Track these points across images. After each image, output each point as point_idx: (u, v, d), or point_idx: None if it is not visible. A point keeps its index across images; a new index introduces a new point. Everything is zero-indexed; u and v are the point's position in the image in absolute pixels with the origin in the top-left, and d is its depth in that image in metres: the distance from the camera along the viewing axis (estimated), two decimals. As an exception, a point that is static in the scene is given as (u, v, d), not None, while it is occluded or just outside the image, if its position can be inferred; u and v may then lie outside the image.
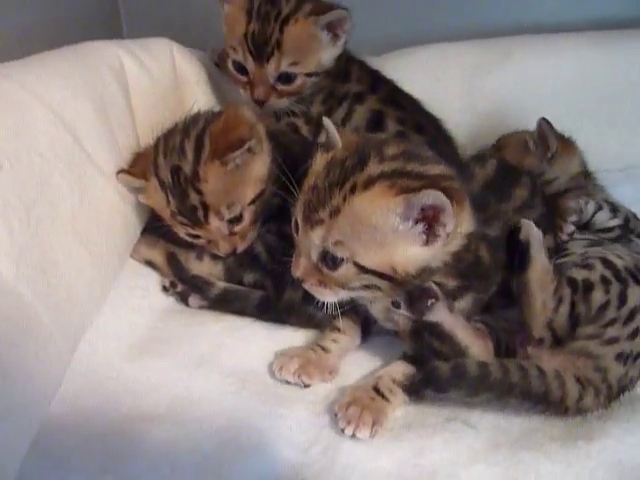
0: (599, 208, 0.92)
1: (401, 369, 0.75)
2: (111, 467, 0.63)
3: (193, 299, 0.89)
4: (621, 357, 0.72)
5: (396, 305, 0.72)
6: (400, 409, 0.74)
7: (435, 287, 0.71)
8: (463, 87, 1.17)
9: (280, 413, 0.73)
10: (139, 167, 0.82)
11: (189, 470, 0.64)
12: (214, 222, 0.80)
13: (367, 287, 0.69)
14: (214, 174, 0.77)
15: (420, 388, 0.71)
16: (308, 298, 0.83)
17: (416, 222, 0.65)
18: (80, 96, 0.76)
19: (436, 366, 0.70)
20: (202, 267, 0.87)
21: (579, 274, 0.77)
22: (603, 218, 0.92)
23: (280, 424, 0.71)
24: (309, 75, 0.95)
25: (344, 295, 0.72)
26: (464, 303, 0.76)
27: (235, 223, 0.82)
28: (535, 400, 0.70)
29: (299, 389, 0.77)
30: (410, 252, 0.66)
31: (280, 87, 0.95)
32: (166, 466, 0.64)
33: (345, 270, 0.68)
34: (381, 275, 0.67)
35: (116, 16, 1.29)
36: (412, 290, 0.70)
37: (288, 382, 0.76)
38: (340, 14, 0.92)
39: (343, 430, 0.68)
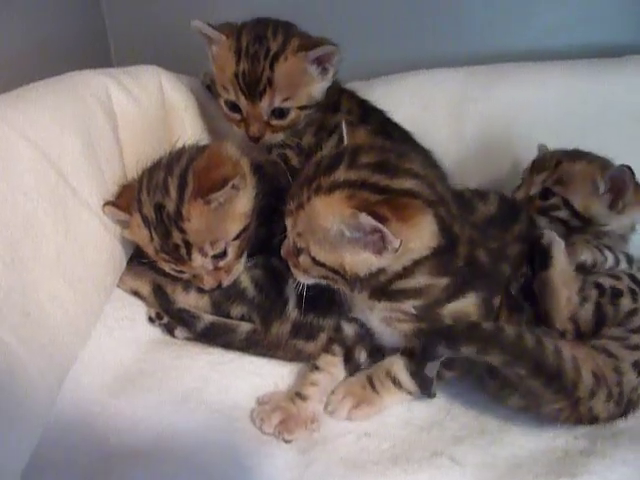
0: (616, 263, 0.89)
1: (398, 362, 0.78)
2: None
3: (179, 331, 0.89)
4: (637, 366, 0.74)
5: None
6: (393, 404, 0.78)
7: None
8: (451, 114, 1.18)
9: (266, 451, 0.72)
10: (125, 200, 0.82)
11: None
12: (197, 259, 0.80)
13: (325, 277, 0.74)
14: (197, 213, 0.77)
15: (434, 343, 0.71)
16: (296, 332, 0.85)
17: (367, 234, 0.67)
18: (67, 130, 0.76)
19: (451, 324, 0.73)
20: (188, 299, 0.87)
21: (606, 281, 0.79)
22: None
23: (266, 462, 0.71)
24: (302, 108, 0.96)
25: (311, 279, 0.76)
26: (469, 302, 0.74)
27: (219, 258, 0.81)
28: (547, 376, 0.69)
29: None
30: (361, 257, 0.69)
31: (274, 122, 0.96)
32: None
33: (304, 259, 0.73)
34: (333, 270, 0.71)
35: (104, 41, 1.29)
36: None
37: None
38: (328, 49, 0.93)
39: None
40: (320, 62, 0.95)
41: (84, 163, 0.77)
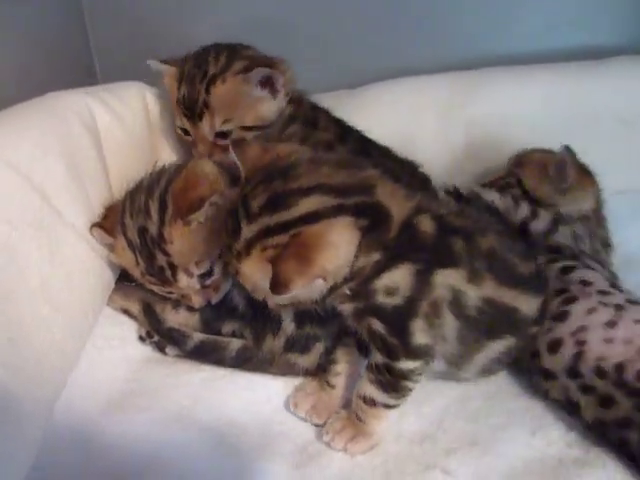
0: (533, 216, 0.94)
1: (364, 380, 0.76)
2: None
3: (170, 349, 0.88)
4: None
5: None
6: (381, 424, 0.77)
7: None
8: (437, 119, 1.18)
9: (259, 467, 0.72)
10: (110, 222, 0.81)
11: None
12: (183, 280, 0.80)
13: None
14: (179, 235, 0.77)
15: None
16: (291, 346, 0.84)
17: None
18: (50, 153, 0.76)
19: None
20: (178, 318, 0.87)
21: None
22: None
23: (258, 478, 0.71)
24: (248, 129, 0.96)
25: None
26: (399, 276, 0.70)
27: (206, 277, 0.81)
28: None
29: (278, 441, 0.77)
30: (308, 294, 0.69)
31: (221, 142, 0.96)
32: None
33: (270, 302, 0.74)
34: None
35: (88, 58, 1.28)
36: None
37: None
38: (264, 72, 0.93)
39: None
40: (265, 84, 0.95)
41: (69, 185, 0.77)
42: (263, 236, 0.66)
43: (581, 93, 1.18)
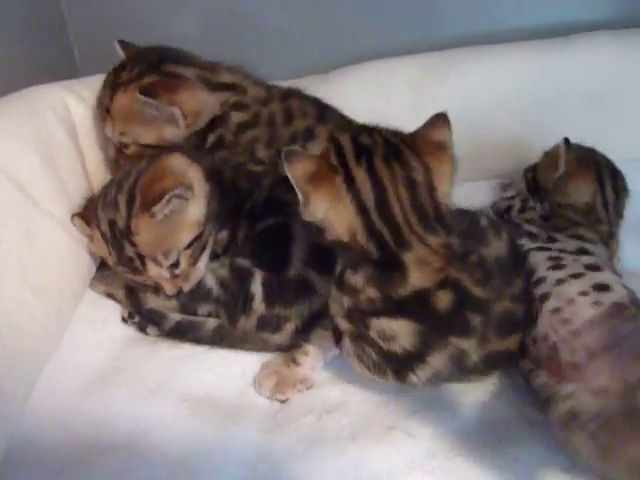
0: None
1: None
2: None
3: (151, 328, 0.93)
4: None
5: None
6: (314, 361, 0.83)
7: None
8: (412, 100, 1.20)
9: (231, 434, 0.77)
10: (89, 213, 0.86)
11: (143, 496, 0.69)
12: (153, 270, 0.84)
13: None
14: (145, 226, 0.80)
15: None
16: (262, 325, 0.88)
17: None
18: (26, 147, 0.80)
19: None
20: (158, 301, 0.91)
21: None
22: None
23: (231, 445, 0.76)
24: (147, 146, 0.95)
25: None
26: (397, 326, 0.71)
27: (175, 267, 0.85)
28: None
29: (250, 410, 0.81)
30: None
31: (125, 150, 0.96)
32: (121, 494, 0.69)
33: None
34: None
35: (69, 53, 1.32)
36: None
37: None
38: (152, 104, 0.90)
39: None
40: (158, 109, 0.91)
41: (44, 176, 0.82)
42: None
43: (550, 70, 1.20)
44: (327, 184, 0.70)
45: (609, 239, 0.96)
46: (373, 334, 0.72)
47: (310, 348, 0.85)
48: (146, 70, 0.94)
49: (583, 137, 1.11)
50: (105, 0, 1.34)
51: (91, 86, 0.99)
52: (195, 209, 0.85)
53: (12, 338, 0.70)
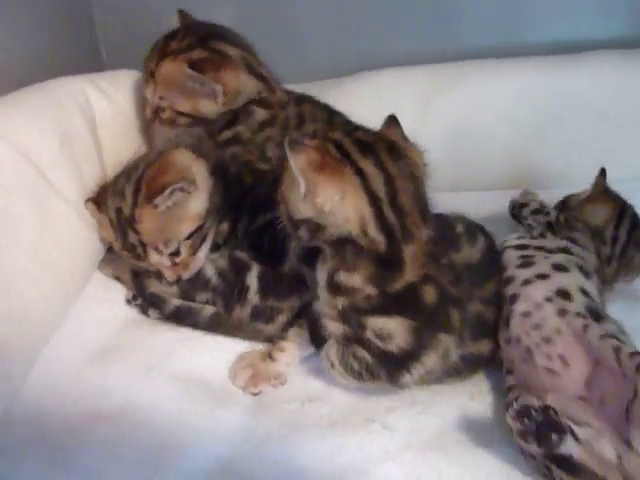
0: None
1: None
2: (60, 459, 0.73)
3: (152, 311, 0.98)
4: None
5: (526, 440, 0.67)
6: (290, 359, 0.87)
7: (563, 420, 0.66)
8: (416, 111, 1.24)
9: (218, 414, 0.82)
10: (101, 200, 0.92)
11: (130, 464, 0.74)
12: (153, 257, 0.89)
13: None
14: (148, 216, 0.86)
15: None
16: (256, 316, 0.92)
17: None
18: (45, 132, 0.86)
19: None
20: (160, 286, 0.96)
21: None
22: None
23: (216, 424, 0.80)
24: (181, 114, 1.01)
25: None
26: (393, 325, 0.75)
27: (175, 255, 0.90)
28: None
29: (238, 394, 0.85)
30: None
31: (160, 114, 1.02)
32: (109, 460, 0.74)
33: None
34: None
35: (97, 51, 1.39)
36: (540, 424, 0.65)
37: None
38: (200, 79, 0.96)
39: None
40: (203, 83, 0.97)
41: (62, 161, 0.88)
42: None
43: (557, 86, 1.23)
44: (338, 173, 0.70)
45: (606, 264, 0.96)
46: (369, 334, 0.75)
47: (286, 345, 0.89)
48: (195, 43, 0.99)
49: (587, 153, 1.14)
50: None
51: (113, 80, 1.06)
52: (197, 203, 0.90)
53: (22, 309, 0.76)
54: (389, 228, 0.72)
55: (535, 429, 0.64)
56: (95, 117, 0.99)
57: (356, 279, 0.74)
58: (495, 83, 1.24)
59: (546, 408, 0.65)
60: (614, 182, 1.06)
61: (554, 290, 0.80)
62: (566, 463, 0.65)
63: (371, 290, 0.73)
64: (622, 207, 1.00)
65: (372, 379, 0.78)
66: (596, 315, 0.78)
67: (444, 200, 1.29)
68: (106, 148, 1.01)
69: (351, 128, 0.82)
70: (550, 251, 0.88)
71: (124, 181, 0.90)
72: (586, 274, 0.84)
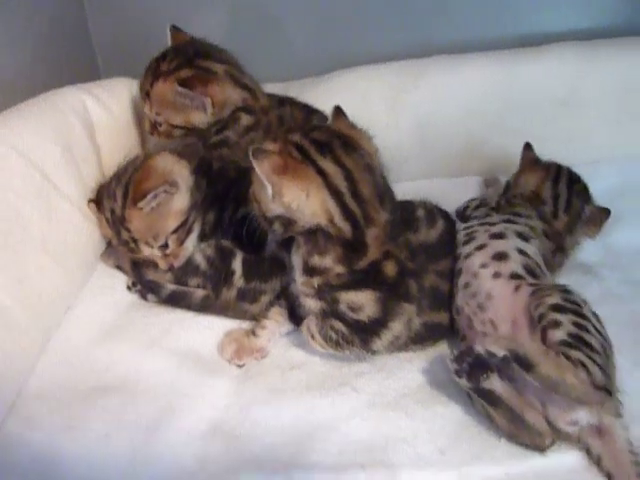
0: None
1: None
2: (75, 424, 0.84)
3: (150, 296, 1.09)
4: None
5: (459, 377, 0.79)
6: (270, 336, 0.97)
7: (492, 362, 0.77)
8: (387, 105, 1.33)
9: (210, 383, 0.93)
10: (100, 201, 1.03)
11: (133, 428, 0.85)
12: (145, 250, 1.00)
13: None
14: (135, 216, 0.97)
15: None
16: (242, 297, 1.02)
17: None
18: (48, 140, 0.97)
19: None
20: (156, 274, 1.07)
21: (562, 331, 0.77)
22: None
23: (208, 391, 0.91)
24: (175, 126, 1.14)
25: None
26: (363, 298, 0.85)
27: (165, 248, 1.01)
28: None
29: (228, 365, 0.97)
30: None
31: (159, 128, 1.15)
32: (115, 424, 0.85)
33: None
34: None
35: (93, 59, 1.49)
36: (472, 365, 0.78)
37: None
38: (188, 94, 1.08)
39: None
40: (192, 98, 1.10)
41: (64, 165, 0.99)
42: None
43: (518, 77, 1.31)
44: (301, 174, 0.79)
45: (553, 219, 1.05)
46: (343, 307, 0.86)
47: (267, 323, 0.99)
48: (183, 63, 1.11)
49: (548, 140, 1.22)
50: (127, 6, 1.50)
51: (108, 89, 1.16)
52: (180, 201, 1.00)
53: (34, 296, 0.88)
54: (353, 217, 0.82)
55: (468, 369, 0.77)
56: (93, 123, 1.10)
57: (328, 260, 0.84)
58: (459, 76, 1.32)
59: (478, 353, 0.77)
60: (574, 166, 1.16)
61: (490, 255, 0.90)
62: (489, 396, 0.78)
63: (341, 269, 0.84)
64: (556, 169, 1.10)
65: (348, 346, 0.89)
66: (532, 273, 0.88)
67: (417, 187, 1.42)
68: (104, 151, 1.12)
69: (308, 128, 0.89)
70: (492, 224, 0.97)
71: (115, 184, 1.01)
72: (525, 238, 0.93)
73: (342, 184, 0.81)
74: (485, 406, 0.80)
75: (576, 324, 0.78)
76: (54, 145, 0.98)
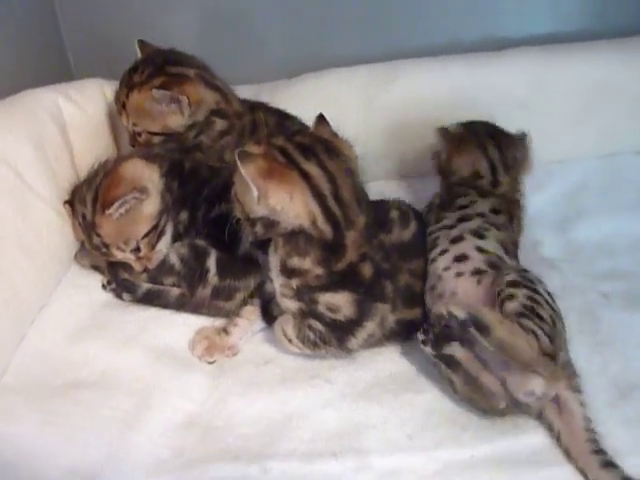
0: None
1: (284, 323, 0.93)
2: (51, 419, 0.85)
3: (126, 295, 1.10)
4: None
5: (425, 345, 0.87)
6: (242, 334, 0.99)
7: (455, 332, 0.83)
8: (359, 107, 1.36)
9: (185, 377, 0.95)
10: (73, 204, 1.03)
11: (111, 422, 0.86)
12: (117, 254, 1.01)
13: None
14: (105, 222, 0.98)
15: None
16: (216, 294, 1.03)
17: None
18: (21, 139, 0.98)
19: None
20: (133, 274, 1.08)
21: (517, 303, 0.83)
22: None
23: (184, 385, 0.93)
24: (154, 134, 1.16)
25: None
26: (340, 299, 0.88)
27: (137, 251, 1.02)
28: None
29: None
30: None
31: (138, 138, 1.17)
32: (91, 418, 0.86)
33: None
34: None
35: (65, 59, 1.50)
36: (437, 335, 0.86)
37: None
38: (167, 96, 1.10)
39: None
40: (173, 101, 1.11)
41: (37, 164, 1.00)
42: None
43: (483, 80, 1.36)
44: (286, 177, 0.81)
45: (495, 188, 1.09)
46: (321, 308, 0.89)
47: (239, 321, 1.01)
48: (154, 72, 1.13)
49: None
50: (99, 8, 1.51)
51: (81, 89, 1.17)
52: (150, 206, 1.01)
53: (9, 292, 0.89)
54: (334, 219, 0.85)
55: (434, 339, 0.86)
56: (65, 122, 1.11)
57: (307, 262, 0.87)
58: (428, 79, 1.37)
59: (440, 314, 0.85)
60: (538, 166, 1.21)
61: (452, 259, 0.95)
62: (449, 360, 0.86)
63: (320, 270, 0.87)
64: (477, 139, 1.13)
65: (325, 346, 0.92)
66: (494, 265, 0.93)
67: (391, 186, 1.45)
68: (76, 149, 1.13)
69: (291, 133, 0.92)
70: (450, 227, 1.01)
71: (86, 189, 1.01)
72: (481, 236, 0.98)
73: (325, 187, 0.84)
74: (445, 370, 0.86)
75: (530, 298, 0.84)
76: (27, 143, 0.99)
